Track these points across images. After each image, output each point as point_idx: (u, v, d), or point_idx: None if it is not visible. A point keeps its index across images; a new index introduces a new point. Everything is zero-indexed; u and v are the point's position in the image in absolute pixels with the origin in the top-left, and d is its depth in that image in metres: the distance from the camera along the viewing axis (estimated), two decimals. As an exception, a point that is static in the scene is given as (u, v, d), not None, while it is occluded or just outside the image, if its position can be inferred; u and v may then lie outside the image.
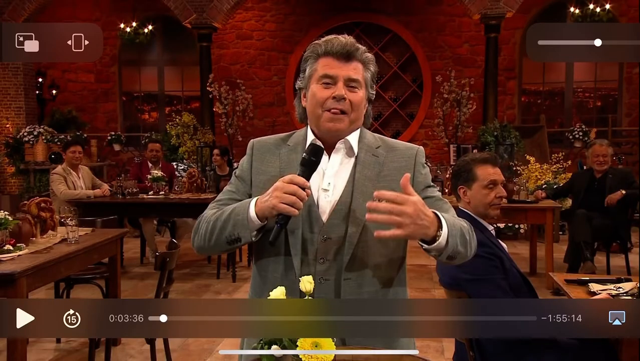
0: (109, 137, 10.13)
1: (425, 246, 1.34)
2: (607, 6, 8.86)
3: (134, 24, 9.87)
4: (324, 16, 10.73)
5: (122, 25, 9.90)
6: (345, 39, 1.47)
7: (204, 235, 1.46)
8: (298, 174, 1.36)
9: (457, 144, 8.93)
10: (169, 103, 11.85)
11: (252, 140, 1.59)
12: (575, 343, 2.28)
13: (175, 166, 7.80)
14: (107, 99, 11.62)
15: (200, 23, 9.48)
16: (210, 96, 9.36)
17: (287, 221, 1.34)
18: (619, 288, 2.37)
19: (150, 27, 9.98)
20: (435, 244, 1.32)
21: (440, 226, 1.33)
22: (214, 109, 9.47)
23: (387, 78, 10.71)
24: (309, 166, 1.38)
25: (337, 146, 1.49)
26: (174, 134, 9.17)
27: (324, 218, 1.43)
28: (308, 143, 1.48)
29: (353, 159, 1.49)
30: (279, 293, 1.08)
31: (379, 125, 10.72)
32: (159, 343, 3.30)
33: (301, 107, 1.54)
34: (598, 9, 8.87)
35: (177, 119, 9.33)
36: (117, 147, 10.19)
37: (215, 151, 6.92)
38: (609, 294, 2.24)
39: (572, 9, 9.21)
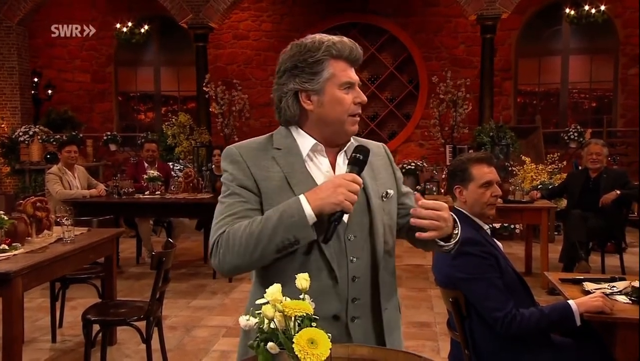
0: (105, 137, 10.11)
1: (444, 243, 1.43)
2: (602, 7, 8.90)
3: (130, 24, 9.86)
4: (320, 16, 10.74)
5: (118, 25, 9.89)
6: (355, 44, 1.47)
7: (245, 250, 1.33)
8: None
9: (453, 145, 8.95)
10: (165, 103, 11.85)
11: (231, 148, 1.48)
12: (571, 341, 2.30)
13: (171, 166, 7.80)
14: (103, 99, 11.61)
15: (197, 23, 9.48)
16: (207, 96, 9.36)
17: (342, 218, 1.36)
18: (613, 287, 2.39)
19: (146, 27, 9.97)
20: (454, 241, 1.44)
21: (455, 225, 1.45)
22: (210, 109, 9.47)
23: (383, 79, 10.73)
24: (360, 165, 1.41)
25: (339, 150, 1.50)
26: (170, 134, 9.16)
27: (345, 218, 1.42)
28: (305, 145, 1.46)
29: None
30: (275, 290, 1.08)
31: (375, 125, 10.74)
32: (155, 343, 3.29)
33: (299, 109, 1.45)
34: (593, 10, 8.91)
35: (174, 119, 9.33)
36: (113, 147, 10.17)
37: (217, 151, 6.94)
38: (603, 293, 2.25)
39: (567, 10, 9.25)
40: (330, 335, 1.04)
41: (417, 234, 1.39)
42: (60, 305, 4.23)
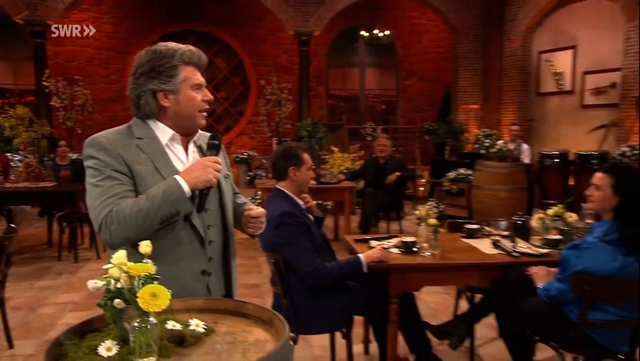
0: None
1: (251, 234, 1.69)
2: (387, 32, 9.86)
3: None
4: (159, 22, 10.21)
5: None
6: (201, 52, 1.58)
7: (135, 224, 1.36)
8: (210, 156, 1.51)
9: (279, 138, 9.25)
10: (1, 96, 10.25)
11: (98, 137, 1.45)
12: (359, 285, 2.61)
13: (10, 157, 6.85)
14: None
15: (33, 20, 8.36)
16: (47, 90, 8.34)
17: (209, 191, 1.48)
18: (389, 242, 2.78)
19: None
20: (257, 234, 1.68)
21: None
22: (51, 103, 8.46)
23: (218, 80, 10.61)
24: (217, 148, 1.54)
25: (190, 139, 1.57)
26: (7, 126, 8.00)
27: None
28: (164, 136, 1.50)
29: (197, 149, 1.59)
30: (120, 255, 1.10)
31: (213, 121, 10.59)
32: (-1, 324, 2.95)
33: (157, 106, 1.49)
34: (381, 34, 9.83)
35: (11, 112, 8.15)
36: (-60, 138, 8.54)
37: (62, 142, 6.26)
38: (382, 247, 2.60)
39: (362, 32, 10.07)
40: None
41: (245, 227, 1.65)
42: None
